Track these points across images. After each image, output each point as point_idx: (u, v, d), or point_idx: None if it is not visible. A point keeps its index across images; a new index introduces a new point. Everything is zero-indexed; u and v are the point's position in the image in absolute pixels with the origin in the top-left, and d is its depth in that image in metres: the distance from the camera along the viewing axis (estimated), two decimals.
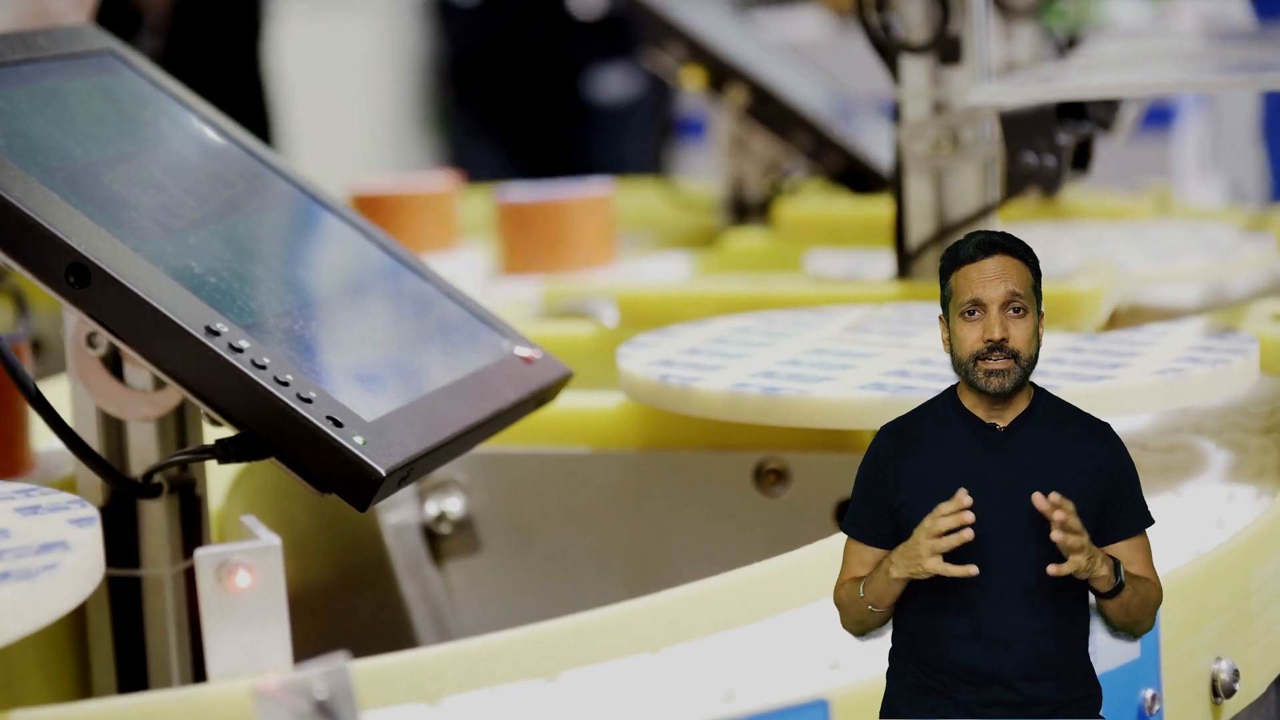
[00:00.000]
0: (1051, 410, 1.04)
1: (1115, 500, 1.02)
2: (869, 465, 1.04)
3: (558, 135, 4.75)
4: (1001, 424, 1.02)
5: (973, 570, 0.99)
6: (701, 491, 1.55)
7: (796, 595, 1.15)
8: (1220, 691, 1.17)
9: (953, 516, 1.00)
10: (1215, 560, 1.19)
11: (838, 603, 1.04)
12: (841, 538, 1.04)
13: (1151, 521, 1.03)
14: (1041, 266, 1.04)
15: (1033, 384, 1.03)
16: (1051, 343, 1.47)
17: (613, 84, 4.61)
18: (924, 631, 1.01)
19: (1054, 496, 1.00)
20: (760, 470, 1.53)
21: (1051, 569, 0.99)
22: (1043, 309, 1.04)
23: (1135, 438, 1.49)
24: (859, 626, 1.03)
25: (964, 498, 1.00)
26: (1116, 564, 1.00)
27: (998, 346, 1.02)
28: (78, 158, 1.26)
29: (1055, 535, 0.99)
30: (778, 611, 1.14)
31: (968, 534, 0.99)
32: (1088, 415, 1.04)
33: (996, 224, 1.75)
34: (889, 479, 1.03)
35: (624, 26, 4.53)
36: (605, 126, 4.70)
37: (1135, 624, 1.02)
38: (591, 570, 1.58)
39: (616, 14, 4.62)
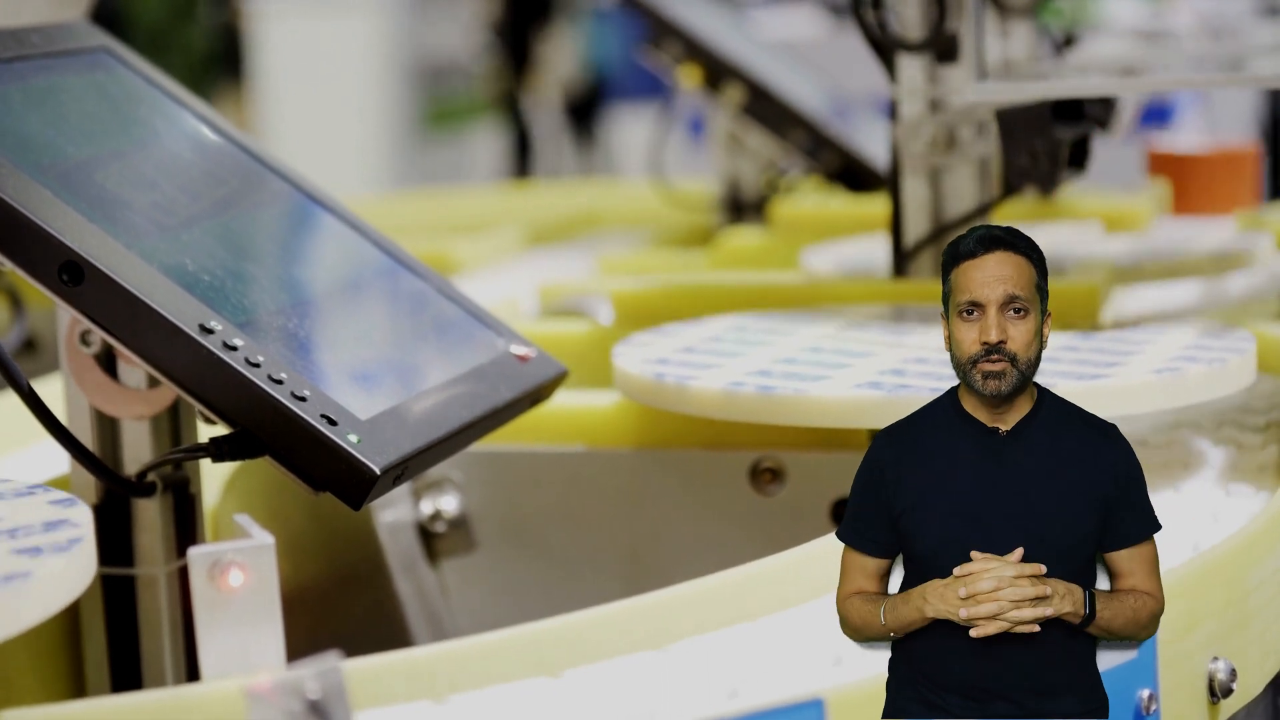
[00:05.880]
0: (1055, 412, 1.01)
1: (1119, 505, 1.00)
2: (866, 472, 1.02)
3: None
4: (1004, 428, 1.00)
5: (1035, 628, 0.97)
6: (697, 490, 1.55)
7: (793, 594, 1.14)
8: (1217, 691, 1.16)
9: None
10: (1212, 560, 1.18)
11: (843, 615, 1.01)
12: (837, 539, 1.02)
13: (1158, 528, 1.01)
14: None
15: (1036, 384, 1.01)
16: (1048, 341, 1.47)
17: None
18: (926, 645, 0.99)
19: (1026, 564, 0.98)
20: (756, 469, 1.53)
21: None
22: (1048, 308, 1.01)
23: (1132, 436, 1.48)
24: (862, 637, 1.01)
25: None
26: (1088, 597, 0.98)
27: (995, 349, 0.99)
28: (71, 155, 1.26)
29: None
30: (774, 610, 1.14)
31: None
32: (1093, 417, 1.02)
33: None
34: (889, 485, 1.00)
35: None
36: None
37: (1127, 639, 1.00)
38: (587, 569, 1.57)
39: None
